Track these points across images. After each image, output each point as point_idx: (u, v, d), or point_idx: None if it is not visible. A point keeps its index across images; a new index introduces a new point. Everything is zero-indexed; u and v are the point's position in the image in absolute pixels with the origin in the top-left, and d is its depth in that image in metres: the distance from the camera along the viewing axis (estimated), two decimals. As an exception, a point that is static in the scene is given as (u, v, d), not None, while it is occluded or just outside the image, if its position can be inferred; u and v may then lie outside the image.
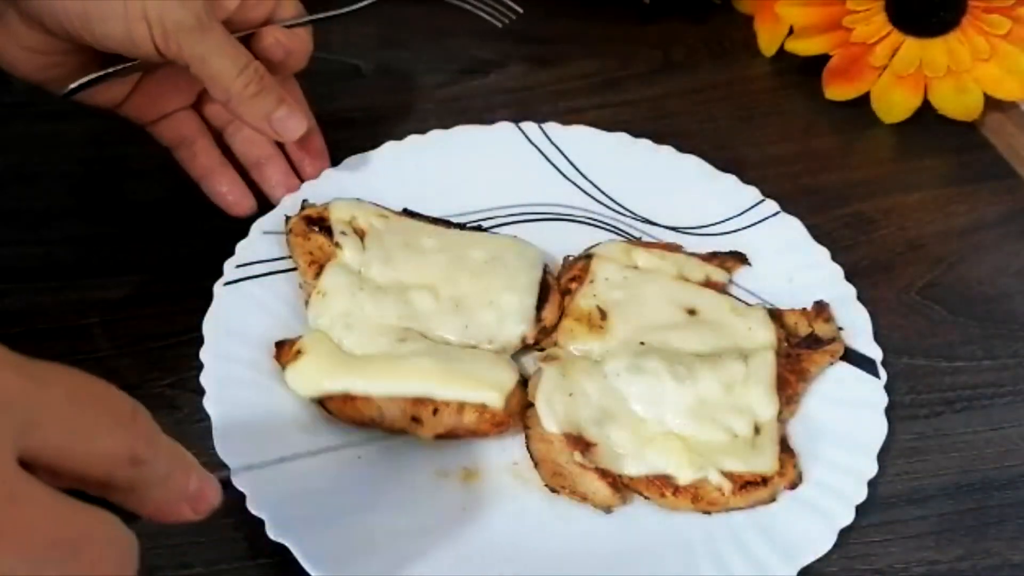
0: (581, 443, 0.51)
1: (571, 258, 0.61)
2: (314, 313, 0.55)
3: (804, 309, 0.58)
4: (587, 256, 0.60)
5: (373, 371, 0.53)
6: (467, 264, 0.58)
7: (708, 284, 0.59)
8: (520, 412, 0.53)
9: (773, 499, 0.50)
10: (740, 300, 0.59)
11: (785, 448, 0.52)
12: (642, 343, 0.55)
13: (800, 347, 0.56)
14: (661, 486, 0.50)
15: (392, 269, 0.57)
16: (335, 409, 0.52)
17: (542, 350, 0.56)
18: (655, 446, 0.51)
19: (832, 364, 0.56)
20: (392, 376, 0.53)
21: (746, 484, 0.50)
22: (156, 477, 0.33)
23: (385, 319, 0.55)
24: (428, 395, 0.52)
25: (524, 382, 0.54)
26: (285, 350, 0.54)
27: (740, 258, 0.61)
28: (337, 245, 0.58)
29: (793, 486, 0.51)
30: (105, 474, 0.32)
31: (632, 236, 0.64)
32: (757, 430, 0.52)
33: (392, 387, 0.52)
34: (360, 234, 0.59)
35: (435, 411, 0.52)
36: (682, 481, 0.50)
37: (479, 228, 0.63)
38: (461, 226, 0.62)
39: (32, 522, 0.29)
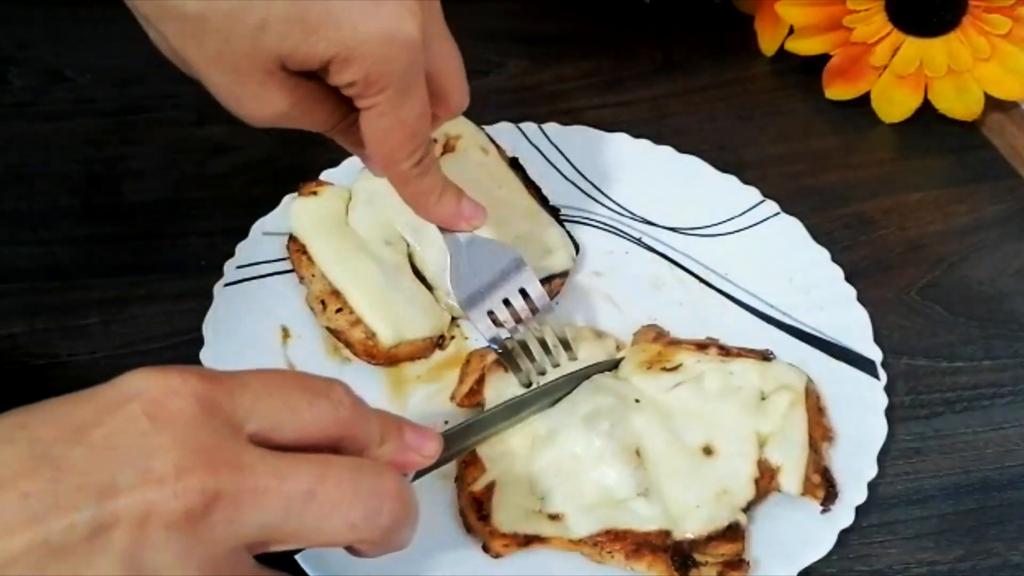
0: None
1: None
2: (362, 175, 0.59)
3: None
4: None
5: (335, 245, 0.58)
6: (501, 229, 0.58)
7: None
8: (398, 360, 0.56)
9: None
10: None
11: None
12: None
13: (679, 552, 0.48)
14: None
15: None
16: (292, 250, 0.58)
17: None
18: None
19: None
20: (341, 259, 0.57)
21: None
22: (373, 436, 0.38)
23: (396, 219, 0.59)
24: (346, 293, 0.56)
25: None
26: (309, 185, 0.60)
27: None
28: None
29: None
30: (319, 441, 0.36)
31: (632, 236, 0.64)
32: None
33: (332, 268, 0.57)
34: (448, 149, 0.62)
35: (338, 309, 0.56)
36: None
37: (556, 214, 0.63)
38: (545, 201, 0.63)
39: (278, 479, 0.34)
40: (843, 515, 0.50)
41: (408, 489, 0.38)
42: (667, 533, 0.48)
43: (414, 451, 0.40)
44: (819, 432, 0.53)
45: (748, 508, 0.49)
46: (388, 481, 0.37)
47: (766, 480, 0.50)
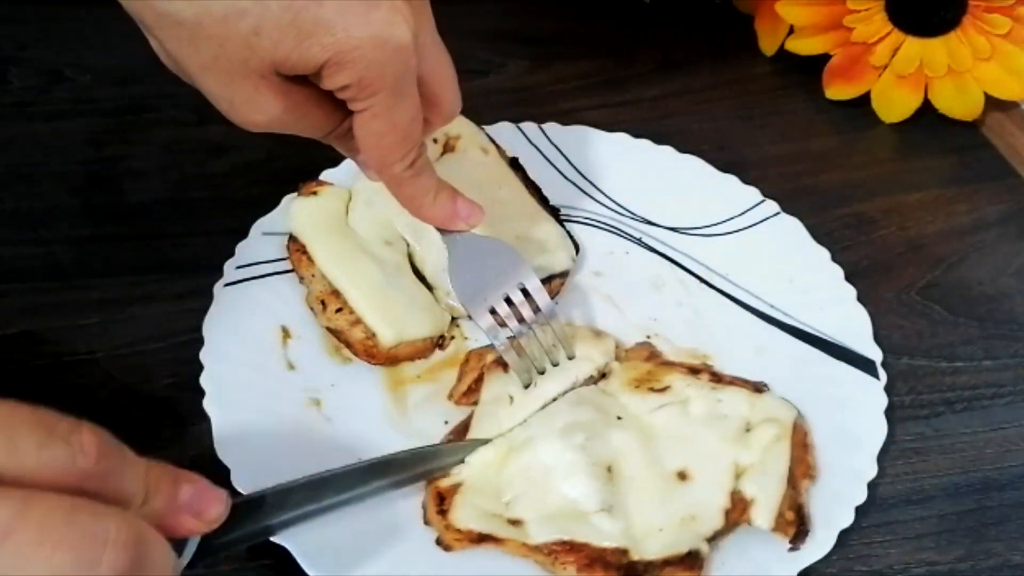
0: None
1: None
2: (362, 175, 0.57)
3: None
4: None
5: (335, 245, 0.57)
6: (501, 229, 0.58)
7: None
8: (397, 359, 0.56)
9: None
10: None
11: None
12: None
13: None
14: None
15: None
16: (292, 250, 0.58)
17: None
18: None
19: None
20: (341, 260, 0.57)
21: None
22: (130, 492, 0.32)
23: (396, 219, 0.59)
24: (346, 293, 0.56)
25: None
26: (309, 184, 0.61)
27: None
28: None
29: None
30: (54, 488, 0.30)
31: (632, 236, 0.64)
32: None
33: (332, 268, 0.57)
34: (448, 149, 0.62)
35: (338, 309, 0.56)
36: None
37: (556, 214, 0.63)
38: (545, 201, 0.63)
39: None
40: (843, 515, 0.50)
41: (149, 542, 0.31)
42: (624, 552, 0.47)
43: (190, 512, 0.34)
44: (801, 469, 0.51)
45: (714, 538, 0.48)
46: (113, 526, 0.30)
47: (738, 511, 0.49)
